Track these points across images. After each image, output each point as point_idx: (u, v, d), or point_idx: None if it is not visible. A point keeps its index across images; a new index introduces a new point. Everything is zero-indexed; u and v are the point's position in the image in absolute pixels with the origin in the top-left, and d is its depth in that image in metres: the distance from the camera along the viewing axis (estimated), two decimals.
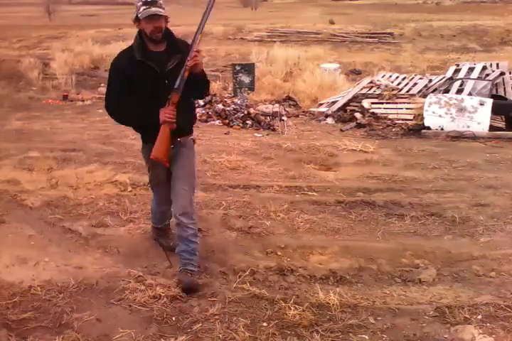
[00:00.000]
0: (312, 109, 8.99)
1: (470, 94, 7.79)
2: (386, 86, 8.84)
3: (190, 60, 3.00)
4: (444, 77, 9.31)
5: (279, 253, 3.74)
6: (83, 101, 10.54)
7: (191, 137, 3.41)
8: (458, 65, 10.08)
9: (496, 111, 7.42)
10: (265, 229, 4.11)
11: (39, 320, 2.95)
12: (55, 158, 5.93)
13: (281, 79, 11.06)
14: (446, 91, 8.15)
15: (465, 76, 8.89)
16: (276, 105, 8.44)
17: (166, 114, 3.06)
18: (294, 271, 3.48)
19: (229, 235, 4.03)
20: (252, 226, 4.16)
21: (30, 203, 4.61)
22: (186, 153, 3.36)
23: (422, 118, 7.50)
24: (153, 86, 3.09)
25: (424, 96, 8.18)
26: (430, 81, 9.23)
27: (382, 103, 8.45)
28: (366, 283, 3.36)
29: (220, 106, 8.37)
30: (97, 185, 5.03)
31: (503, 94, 8.29)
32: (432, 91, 8.45)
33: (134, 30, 3.22)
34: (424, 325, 2.88)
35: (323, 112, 8.61)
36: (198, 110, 8.62)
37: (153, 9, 2.96)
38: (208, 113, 8.37)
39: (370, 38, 19.67)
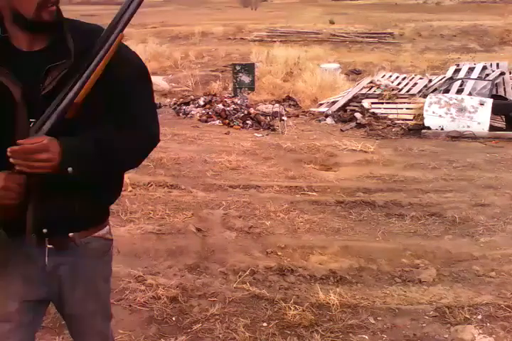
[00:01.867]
0: (312, 109, 8.98)
1: (470, 94, 7.79)
2: (386, 86, 8.84)
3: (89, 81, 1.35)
4: (444, 77, 9.31)
5: (279, 253, 3.74)
6: None
7: (104, 231, 1.61)
8: (458, 65, 10.09)
9: (495, 111, 7.42)
10: (265, 229, 4.11)
11: None
12: None
13: (281, 79, 11.05)
14: (446, 91, 8.14)
15: (465, 76, 8.89)
16: (276, 105, 8.44)
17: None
18: (294, 271, 3.47)
19: (229, 235, 4.02)
20: (252, 226, 4.16)
21: None
22: (92, 268, 1.59)
23: (422, 118, 7.50)
24: (10, 124, 1.38)
25: (424, 96, 8.18)
26: (430, 81, 9.23)
27: (382, 103, 8.45)
28: (366, 283, 3.36)
29: (220, 106, 8.37)
30: None
31: (503, 94, 8.29)
32: (432, 92, 8.45)
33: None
34: (424, 325, 2.88)
35: (323, 112, 8.60)
36: (197, 110, 8.56)
37: None
38: (208, 113, 8.37)
39: (370, 37, 19.64)
